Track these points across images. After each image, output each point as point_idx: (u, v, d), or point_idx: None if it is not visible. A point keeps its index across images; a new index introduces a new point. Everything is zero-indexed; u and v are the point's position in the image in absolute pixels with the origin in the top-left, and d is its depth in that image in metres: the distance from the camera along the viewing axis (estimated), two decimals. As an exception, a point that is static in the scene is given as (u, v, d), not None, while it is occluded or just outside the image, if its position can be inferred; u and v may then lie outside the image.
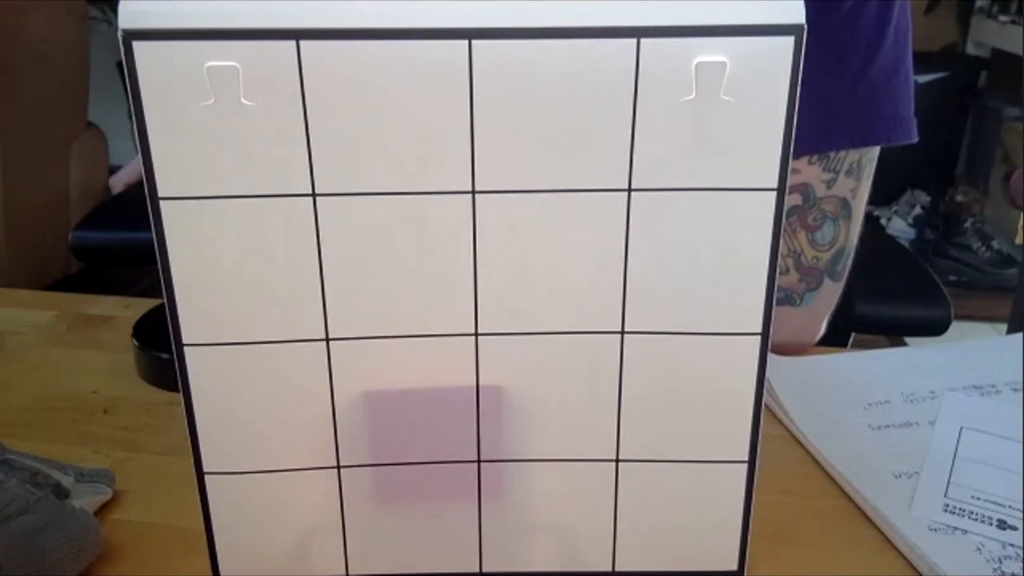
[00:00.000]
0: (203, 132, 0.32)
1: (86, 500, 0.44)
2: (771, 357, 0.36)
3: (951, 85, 2.35)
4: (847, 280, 0.67)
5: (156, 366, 0.59)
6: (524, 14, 0.31)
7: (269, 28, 0.30)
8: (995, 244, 2.29)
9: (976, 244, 2.30)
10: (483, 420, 0.37)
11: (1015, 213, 2.23)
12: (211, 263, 0.34)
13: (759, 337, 0.36)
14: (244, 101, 0.31)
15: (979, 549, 0.43)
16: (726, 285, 0.35)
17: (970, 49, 2.51)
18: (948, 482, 0.48)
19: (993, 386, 0.57)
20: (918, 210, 2.46)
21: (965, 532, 0.44)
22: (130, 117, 0.32)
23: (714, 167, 0.33)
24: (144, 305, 0.68)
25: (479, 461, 0.38)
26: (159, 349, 0.59)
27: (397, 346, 0.36)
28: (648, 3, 0.31)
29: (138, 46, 0.30)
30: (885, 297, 1.00)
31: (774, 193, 0.33)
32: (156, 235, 0.33)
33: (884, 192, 2.46)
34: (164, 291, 0.34)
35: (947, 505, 0.46)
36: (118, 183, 1.34)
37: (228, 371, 0.36)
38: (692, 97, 0.32)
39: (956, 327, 0.97)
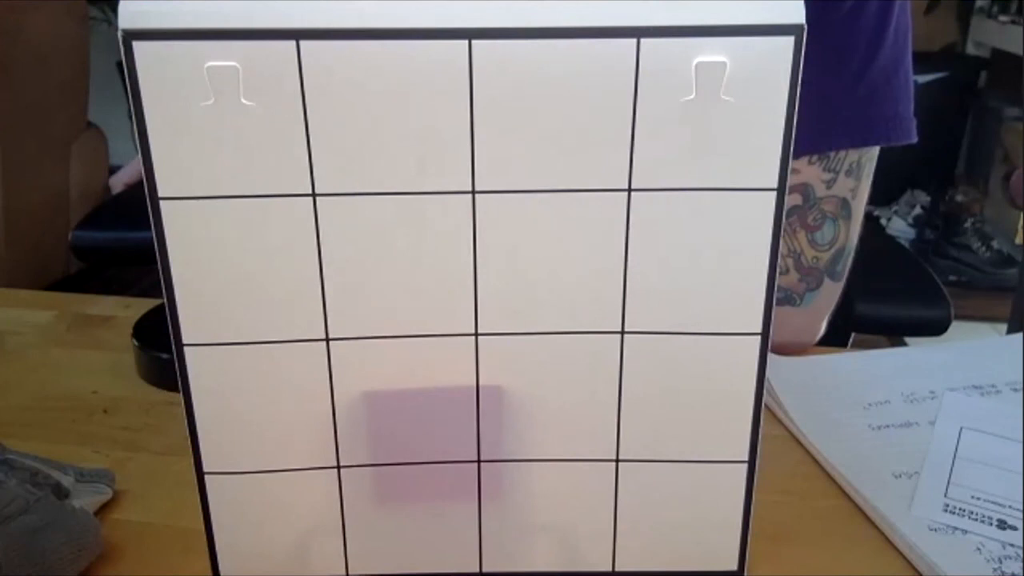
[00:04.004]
0: (203, 132, 0.32)
1: (86, 500, 0.44)
2: (771, 357, 0.36)
3: (951, 85, 2.35)
4: (847, 280, 0.67)
5: (156, 366, 0.59)
6: (524, 14, 0.31)
7: (269, 28, 0.30)
8: (995, 244, 2.29)
9: (976, 244, 2.30)
10: (483, 420, 0.37)
11: (1015, 213, 2.23)
12: (211, 263, 0.34)
13: (759, 337, 0.36)
14: (244, 101, 0.31)
15: (979, 549, 0.43)
16: (726, 285, 0.35)
17: (970, 49, 2.51)
18: (948, 482, 0.48)
19: (993, 386, 0.57)
20: (918, 210, 2.46)
21: (965, 532, 0.44)
22: (130, 117, 0.32)
23: (714, 167, 0.33)
24: (144, 305, 0.68)
25: (479, 461, 0.38)
26: (159, 349, 0.59)
27: (397, 346, 0.36)
28: (648, 3, 0.31)
29: (138, 46, 0.30)
30: (885, 297, 1.00)
31: (774, 193, 0.33)
32: (156, 235, 0.33)
33: (884, 192, 2.46)
34: (164, 291, 0.34)
35: (947, 505, 0.46)
36: (118, 183, 1.34)
37: (228, 371, 0.36)
38: (692, 97, 0.32)
39: (956, 327, 0.97)
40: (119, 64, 0.31)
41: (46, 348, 0.65)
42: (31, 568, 0.37)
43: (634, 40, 0.31)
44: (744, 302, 0.35)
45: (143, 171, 0.32)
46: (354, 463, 0.38)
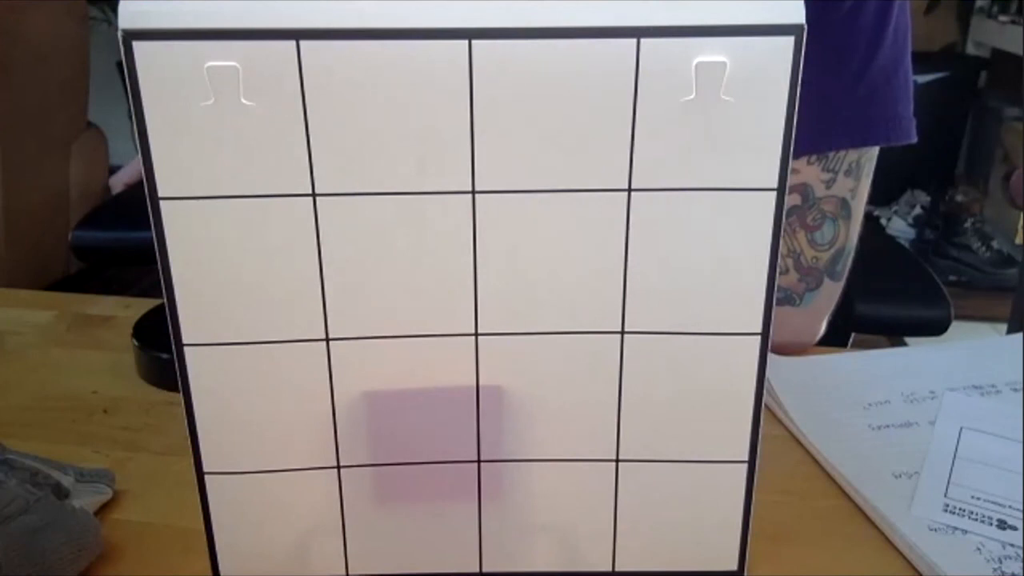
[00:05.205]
0: (203, 132, 0.32)
1: (86, 500, 0.44)
2: (771, 357, 0.36)
3: (951, 85, 2.35)
4: (847, 280, 0.67)
5: (156, 366, 0.59)
6: (524, 14, 0.31)
7: (269, 28, 0.30)
8: (995, 244, 2.29)
9: (976, 244, 2.30)
10: (483, 420, 0.37)
11: (1015, 213, 2.23)
12: (211, 263, 0.34)
13: (759, 337, 0.36)
14: (244, 101, 0.31)
15: (979, 549, 0.43)
16: (726, 285, 0.35)
17: (970, 49, 2.51)
18: (948, 482, 0.48)
19: (993, 386, 0.57)
20: (918, 210, 2.46)
21: (965, 532, 0.44)
22: (130, 117, 0.32)
23: (714, 167, 0.33)
24: (144, 305, 0.68)
25: (479, 461, 0.38)
26: (159, 349, 0.59)
27: (397, 346, 0.36)
28: (648, 3, 0.31)
29: (138, 46, 0.30)
30: (885, 297, 1.00)
31: (774, 193, 0.33)
32: (156, 235, 0.33)
33: (884, 192, 2.46)
34: (164, 291, 0.34)
35: (947, 505, 0.46)
36: (118, 183, 1.34)
37: (228, 371, 0.36)
38: (692, 97, 0.32)
39: (956, 327, 0.97)
40: (119, 64, 0.31)
41: (46, 348, 0.65)
42: (31, 568, 0.37)
43: (634, 40, 0.31)
44: (744, 302, 0.35)
45: (143, 171, 0.32)
46: (354, 463, 0.38)
